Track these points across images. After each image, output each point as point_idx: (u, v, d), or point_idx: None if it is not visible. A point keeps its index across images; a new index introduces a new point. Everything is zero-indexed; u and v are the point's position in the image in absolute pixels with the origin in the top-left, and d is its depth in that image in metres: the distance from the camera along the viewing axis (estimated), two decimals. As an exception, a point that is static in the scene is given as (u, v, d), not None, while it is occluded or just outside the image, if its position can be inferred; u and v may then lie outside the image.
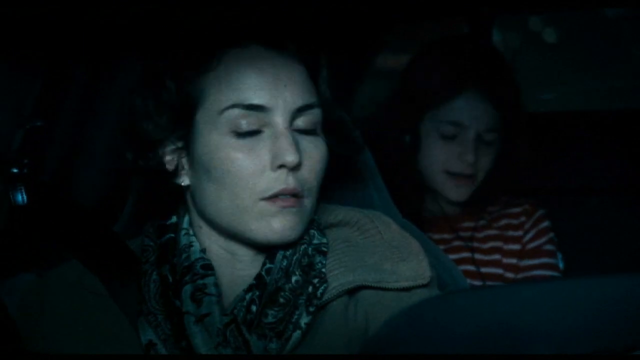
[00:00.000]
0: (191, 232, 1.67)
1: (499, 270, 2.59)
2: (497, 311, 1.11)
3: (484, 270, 2.58)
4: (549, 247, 2.61)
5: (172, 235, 1.67)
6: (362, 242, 1.70)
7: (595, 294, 1.11)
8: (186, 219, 1.68)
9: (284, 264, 1.63)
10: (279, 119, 1.59)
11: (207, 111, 1.60)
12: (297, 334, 1.59)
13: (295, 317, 1.59)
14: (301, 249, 1.65)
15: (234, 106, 1.59)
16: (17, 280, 1.71)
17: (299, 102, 1.60)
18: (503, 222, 2.62)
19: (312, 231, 1.68)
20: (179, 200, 1.70)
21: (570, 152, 2.95)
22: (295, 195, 1.60)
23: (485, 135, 2.51)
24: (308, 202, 1.62)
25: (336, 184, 1.82)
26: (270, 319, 1.59)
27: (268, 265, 1.63)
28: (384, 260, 1.66)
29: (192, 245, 1.65)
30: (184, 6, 1.60)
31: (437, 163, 2.53)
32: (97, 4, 1.53)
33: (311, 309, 1.60)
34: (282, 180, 1.59)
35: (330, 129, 1.67)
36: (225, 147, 1.59)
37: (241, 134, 1.59)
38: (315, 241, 1.67)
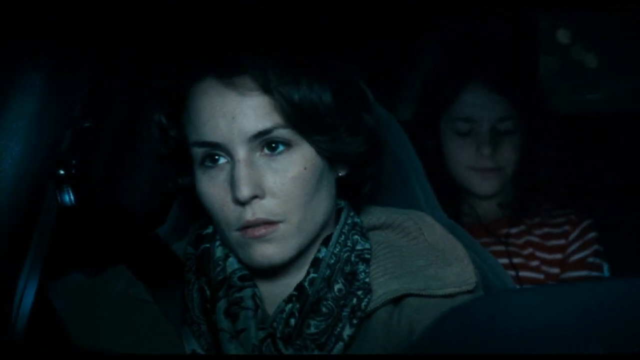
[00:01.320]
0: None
1: (540, 276, 2.57)
2: (549, 311, 1.10)
3: (522, 274, 2.56)
4: (594, 259, 2.58)
5: (208, 245, 1.67)
6: (405, 245, 1.68)
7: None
8: None
9: (327, 273, 1.62)
10: (236, 151, 1.57)
11: (189, 146, 1.61)
12: (339, 345, 1.59)
13: (338, 329, 1.59)
14: (344, 256, 1.64)
15: (194, 144, 1.60)
16: (66, 281, 1.72)
17: (255, 129, 1.57)
18: (544, 230, 2.60)
19: (355, 237, 1.67)
20: None
21: (616, 154, 2.93)
22: (268, 222, 1.58)
23: (500, 125, 2.52)
24: (287, 227, 1.59)
25: (383, 185, 1.81)
26: (312, 330, 1.58)
27: (312, 275, 1.62)
28: (428, 266, 1.65)
29: (229, 257, 1.64)
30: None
31: (460, 161, 2.54)
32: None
33: (355, 322, 1.60)
34: (246, 213, 1.57)
35: (329, 134, 1.62)
36: (199, 181, 1.61)
37: (207, 167, 1.60)
38: (358, 247, 1.66)
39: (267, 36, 1.61)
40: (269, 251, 1.58)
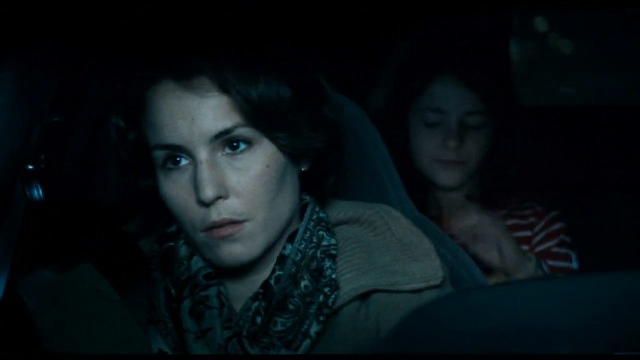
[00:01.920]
0: None
1: None
2: (515, 308, 1.11)
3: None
4: (560, 249, 2.58)
5: (172, 244, 1.66)
6: (373, 240, 1.68)
7: (613, 290, 1.10)
8: None
9: (293, 270, 1.62)
10: (197, 152, 1.56)
11: (150, 149, 1.61)
12: (306, 342, 1.58)
13: (305, 326, 1.59)
14: (310, 253, 1.64)
15: (155, 147, 1.59)
16: (35, 276, 1.71)
17: (215, 130, 1.56)
18: (511, 222, 2.61)
19: (320, 232, 1.66)
20: None
21: (587, 148, 2.94)
22: (233, 222, 1.58)
23: (468, 119, 2.53)
24: (252, 225, 1.58)
25: (350, 178, 1.81)
26: (279, 327, 1.58)
27: (277, 273, 1.62)
28: (395, 261, 1.65)
29: (193, 255, 1.63)
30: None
31: (425, 152, 2.55)
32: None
33: (321, 318, 1.59)
34: (211, 213, 1.57)
35: (290, 128, 1.62)
36: (161, 184, 1.60)
37: (168, 170, 1.59)
38: (324, 243, 1.66)
39: (223, 36, 1.61)
40: (236, 250, 1.58)
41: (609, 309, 1.09)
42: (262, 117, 1.57)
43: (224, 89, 1.56)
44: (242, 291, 1.63)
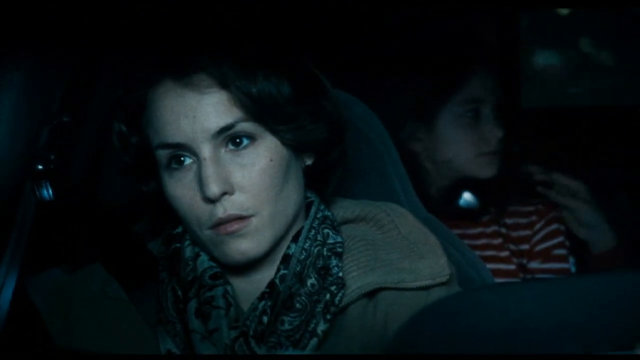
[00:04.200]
0: None
1: (511, 267, 2.58)
2: (524, 307, 1.11)
3: (493, 266, 2.56)
4: (558, 251, 2.58)
5: (178, 245, 1.67)
6: (379, 238, 1.69)
7: (622, 289, 1.10)
8: None
9: (298, 268, 1.62)
10: (200, 150, 1.57)
11: (153, 150, 1.61)
12: (313, 341, 1.58)
13: (312, 325, 1.59)
14: (315, 251, 1.64)
15: (158, 147, 1.59)
16: (44, 276, 1.71)
17: (214, 127, 1.57)
18: (512, 220, 2.61)
19: (326, 230, 1.66)
20: None
21: (594, 148, 2.94)
22: (240, 218, 1.58)
23: (498, 111, 2.53)
24: (259, 220, 1.59)
25: (359, 178, 1.81)
26: (286, 326, 1.58)
27: (282, 272, 1.62)
28: (402, 258, 1.65)
29: (199, 256, 1.64)
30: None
31: (469, 150, 2.53)
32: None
33: (328, 317, 1.59)
34: (217, 210, 1.57)
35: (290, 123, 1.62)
36: (166, 184, 1.60)
37: (173, 169, 1.59)
38: (330, 241, 1.66)
39: (221, 33, 1.61)
40: (243, 246, 1.58)
41: (620, 309, 1.09)
42: (263, 111, 1.57)
43: (224, 85, 1.56)
44: (249, 291, 1.63)
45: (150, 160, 1.62)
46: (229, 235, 1.58)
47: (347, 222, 1.71)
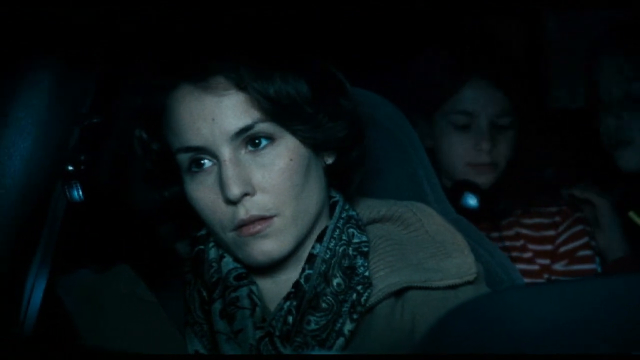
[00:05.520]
0: None
1: (534, 267, 2.57)
2: (553, 308, 1.10)
3: (517, 267, 2.55)
4: (584, 252, 2.57)
5: (202, 247, 1.67)
6: (405, 237, 1.68)
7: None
8: None
9: (323, 268, 1.62)
10: (220, 152, 1.57)
11: (174, 155, 1.62)
12: (340, 341, 1.58)
13: (339, 324, 1.59)
14: (340, 250, 1.64)
15: (178, 151, 1.60)
16: (74, 277, 1.72)
17: (233, 129, 1.57)
18: (535, 220, 2.60)
19: (351, 230, 1.66)
20: None
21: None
22: (262, 218, 1.58)
23: (498, 120, 2.52)
24: (281, 220, 1.59)
25: (388, 179, 1.81)
26: (313, 326, 1.58)
27: (307, 272, 1.62)
28: (428, 257, 1.65)
29: (224, 257, 1.64)
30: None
31: (457, 157, 2.55)
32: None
33: (355, 317, 1.60)
34: (239, 212, 1.58)
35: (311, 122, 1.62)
36: (188, 188, 1.61)
37: (194, 173, 1.60)
38: (355, 240, 1.66)
39: (237, 35, 1.61)
40: (267, 247, 1.59)
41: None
42: (281, 112, 1.58)
43: (241, 86, 1.57)
44: (274, 291, 1.64)
45: (172, 165, 1.63)
46: (252, 237, 1.58)
47: (373, 221, 1.71)
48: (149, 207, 1.83)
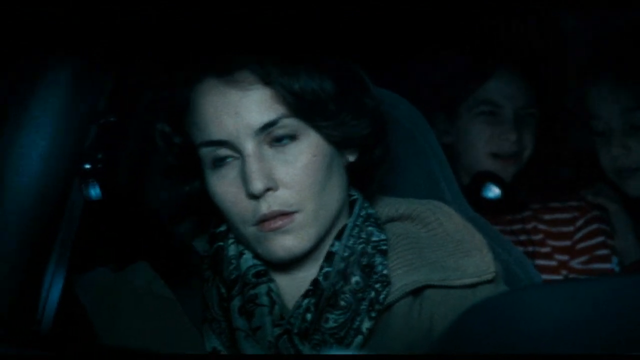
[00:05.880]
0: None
1: (552, 263, 2.57)
2: (572, 307, 1.09)
3: (535, 263, 2.54)
4: (601, 251, 2.56)
5: (221, 244, 1.66)
6: (424, 236, 1.68)
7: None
8: None
9: (342, 266, 1.62)
10: (244, 146, 1.57)
11: (196, 149, 1.62)
12: (358, 339, 1.58)
13: (357, 322, 1.59)
14: (359, 248, 1.64)
15: (201, 145, 1.60)
16: (91, 274, 1.72)
17: (257, 123, 1.57)
18: (553, 216, 2.60)
19: (369, 228, 1.66)
20: None
21: None
22: (284, 214, 1.58)
23: (523, 111, 2.53)
24: (303, 216, 1.59)
25: (405, 177, 1.81)
26: (331, 324, 1.58)
27: (326, 270, 1.62)
28: (447, 256, 1.65)
29: (243, 254, 1.64)
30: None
31: (482, 147, 2.54)
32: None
33: (373, 315, 1.59)
34: (261, 207, 1.57)
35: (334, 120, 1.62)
36: (209, 181, 1.61)
37: (216, 167, 1.59)
38: (374, 238, 1.65)
39: (264, 30, 1.61)
40: (288, 243, 1.58)
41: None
42: (305, 108, 1.58)
43: (267, 81, 1.57)
44: (293, 289, 1.64)
45: (194, 159, 1.63)
46: (273, 232, 1.58)
47: (392, 220, 1.71)
48: (166, 205, 1.84)
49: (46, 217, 1.61)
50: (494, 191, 2.53)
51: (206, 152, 1.60)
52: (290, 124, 1.58)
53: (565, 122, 2.71)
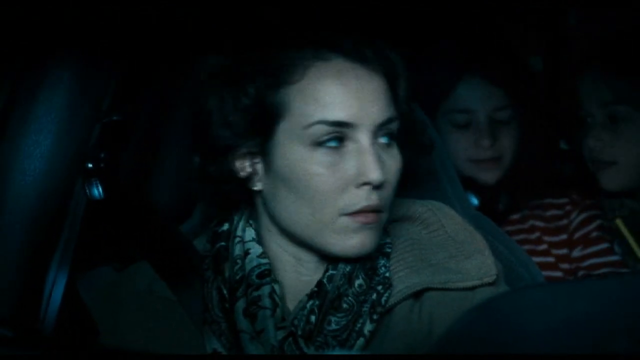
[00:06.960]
0: (247, 239, 1.65)
1: (550, 259, 2.57)
2: (574, 306, 1.10)
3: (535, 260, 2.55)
4: (596, 233, 2.57)
5: (224, 244, 1.66)
6: (426, 238, 1.68)
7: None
8: (241, 226, 1.67)
9: (347, 269, 1.61)
10: (364, 135, 1.57)
11: (291, 124, 1.58)
12: (360, 341, 1.58)
13: (359, 325, 1.59)
14: None
15: (319, 122, 1.57)
16: (93, 274, 1.73)
17: (382, 117, 1.58)
18: (549, 212, 2.60)
19: None
20: (237, 206, 1.69)
21: None
22: (377, 211, 1.58)
23: (497, 115, 2.53)
24: (385, 216, 1.61)
25: (408, 177, 1.81)
26: (333, 326, 1.58)
27: (330, 272, 1.61)
28: (448, 258, 1.65)
29: (248, 254, 1.63)
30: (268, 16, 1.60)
31: (459, 153, 2.55)
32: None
33: (375, 317, 1.59)
34: (366, 197, 1.56)
35: (405, 132, 1.65)
36: (308, 162, 1.57)
37: (325, 150, 1.57)
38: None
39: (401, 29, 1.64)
40: (367, 240, 1.59)
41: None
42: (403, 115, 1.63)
43: (393, 83, 1.61)
44: (295, 291, 1.64)
45: (265, 129, 1.59)
46: (361, 226, 1.58)
47: (393, 221, 1.71)
48: (169, 205, 1.84)
49: (49, 217, 1.61)
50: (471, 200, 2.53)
51: (320, 130, 1.57)
52: (397, 126, 1.61)
53: (555, 119, 2.72)
